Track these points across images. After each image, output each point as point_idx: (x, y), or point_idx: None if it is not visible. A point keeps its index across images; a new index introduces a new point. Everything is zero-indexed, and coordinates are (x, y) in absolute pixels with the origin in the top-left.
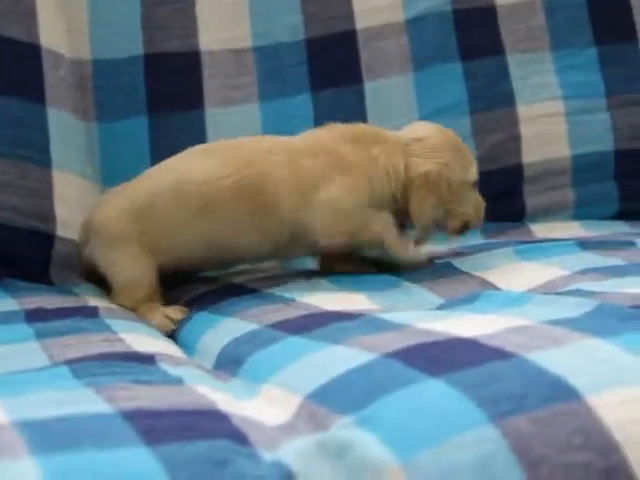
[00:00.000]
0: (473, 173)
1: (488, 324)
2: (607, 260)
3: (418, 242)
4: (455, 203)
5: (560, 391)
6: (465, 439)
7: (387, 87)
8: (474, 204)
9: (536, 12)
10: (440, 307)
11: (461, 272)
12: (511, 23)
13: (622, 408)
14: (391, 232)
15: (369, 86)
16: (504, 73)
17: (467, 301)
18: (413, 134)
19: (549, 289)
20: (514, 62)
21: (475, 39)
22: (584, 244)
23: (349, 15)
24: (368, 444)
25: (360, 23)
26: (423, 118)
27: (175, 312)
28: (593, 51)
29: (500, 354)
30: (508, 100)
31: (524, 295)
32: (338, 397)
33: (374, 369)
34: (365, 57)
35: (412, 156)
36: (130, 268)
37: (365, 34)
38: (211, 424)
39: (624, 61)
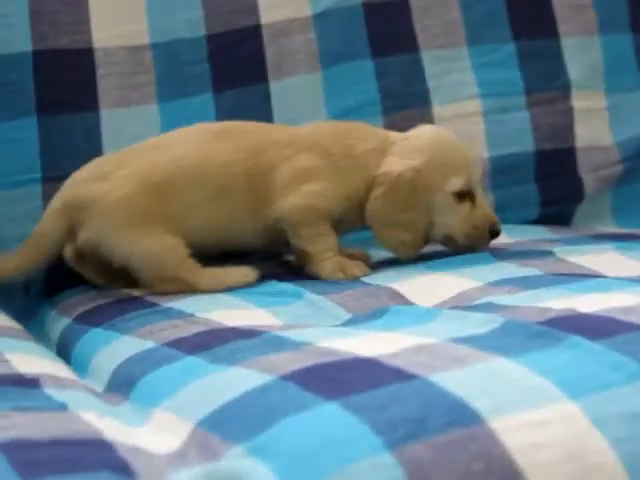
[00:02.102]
0: (453, 184)
1: (391, 342)
2: (523, 270)
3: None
4: (432, 212)
5: (461, 414)
6: (361, 468)
7: (294, 86)
8: (462, 218)
9: (451, 6)
10: (346, 323)
11: (371, 284)
12: (425, 18)
13: (525, 432)
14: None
15: (275, 85)
16: (419, 71)
17: (374, 317)
18: (404, 135)
19: (460, 302)
20: (429, 59)
21: (387, 35)
22: (499, 255)
23: (253, 9)
24: (260, 475)
25: (265, 18)
26: (332, 118)
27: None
28: (512, 47)
29: (400, 375)
30: (423, 99)
31: (432, 310)
32: (231, 423)
33: (269, 392)
34: (270, 54)
35: (390, 155)
36: (158, 244)
37: (270, 30)
38: (93, 455)
39: (544, 57)
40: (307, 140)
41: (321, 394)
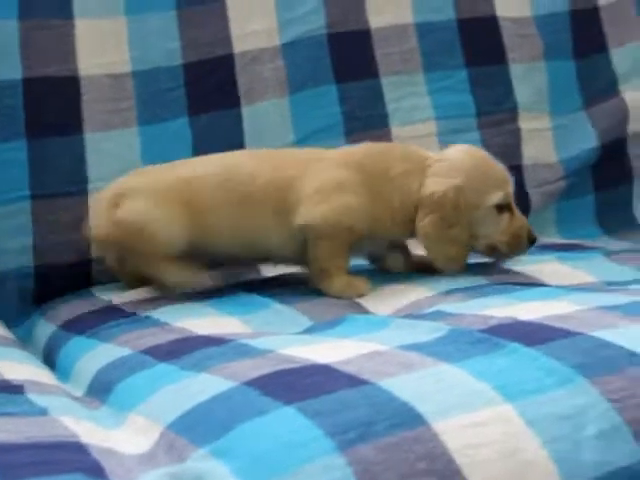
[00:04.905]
0: (496, 197)
1: (346, 349)
2: (471, 280)
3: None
4: (474, 225)
5: (407, 417)
6: (313, 468)
7: (264, 110)
8: (503, 229)
9: (409, 35)
10: (307, 330)
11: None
12: (385, 46)
13: (464, 433)
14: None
15: (246, 110)
16: (378, 95)
17: (332, 325)
18: (440, 155)
19: (413, 310)
20: (388, 84)
21: (350, 62)
22: None
23: (226, 40)
24: (220, 475)
25: (237, 47)
26: (299, 141)
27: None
28: (464, 73)
29: (353, 381)
30: (382, 121)
31: (385, 319)
32: (196, 427)
33: (232, 397)
34: (242, 81)
35: (429, 177)
36: (163, 219)
37: (242, 58)
38: (68, 457)
39: (494, 82)
40: (340, 158)
41: (280, 399)
